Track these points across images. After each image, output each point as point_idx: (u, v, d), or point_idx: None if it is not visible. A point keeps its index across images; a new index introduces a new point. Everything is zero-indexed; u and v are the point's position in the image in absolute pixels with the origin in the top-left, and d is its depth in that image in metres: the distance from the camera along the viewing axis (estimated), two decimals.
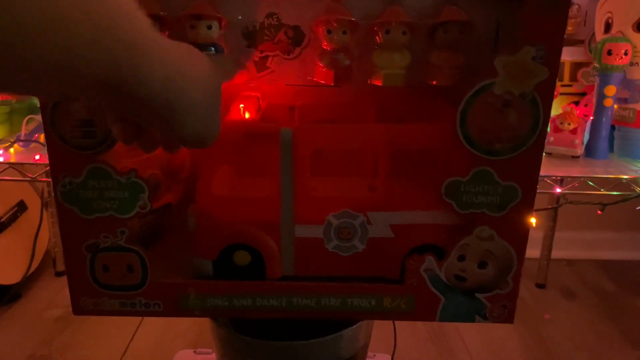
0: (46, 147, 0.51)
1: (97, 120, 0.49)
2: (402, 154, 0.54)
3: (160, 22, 0.51)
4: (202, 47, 0.51)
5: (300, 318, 0.57)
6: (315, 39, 0.53)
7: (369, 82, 0.54)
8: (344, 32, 0.51)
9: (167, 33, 0.52)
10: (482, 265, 0.55)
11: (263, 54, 0.54)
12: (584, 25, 1.12)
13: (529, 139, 0.50)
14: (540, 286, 1.54)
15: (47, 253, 1.55)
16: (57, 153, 0.51)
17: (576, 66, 1.10)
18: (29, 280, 1.46)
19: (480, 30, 0.52)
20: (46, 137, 0.50)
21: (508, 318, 0.58)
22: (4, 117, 0.98)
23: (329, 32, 0.51)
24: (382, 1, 0.52)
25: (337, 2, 0.52)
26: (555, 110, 1.02)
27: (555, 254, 1.54)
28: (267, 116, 0.58)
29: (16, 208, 1.46)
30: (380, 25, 0.51)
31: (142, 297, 0.56)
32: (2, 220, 1.40)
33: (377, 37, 0.52)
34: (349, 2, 0.52)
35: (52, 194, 1.49)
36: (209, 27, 0.51)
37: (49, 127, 0.50)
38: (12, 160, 0.90)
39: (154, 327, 1.29)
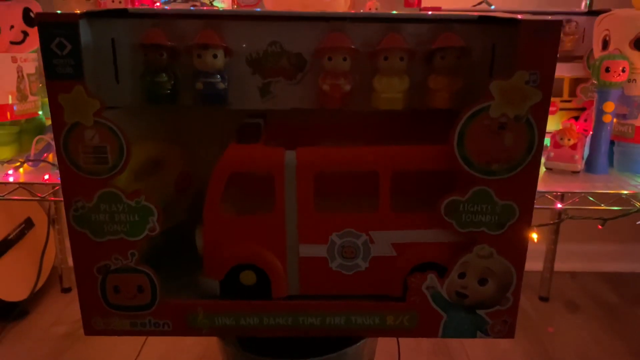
0: (59, 172, 0.53)
1: (110, 146, 0.51)
2: (402, 174, 0.56)
3: (168, 51, 0.53)
4: (209, 74, 0.53)
5: (305, 336, 0.58)
6: (317, 65, 0.55)
7: (369, 105, 0.56)
8: (345, 59, 0.53)
9: (174, 62, 0.54)
10: (482, 282, 0.56)
11: (266, 80, 0.56)
12: (582, 42, 1.14)
13: (525, 159, 0.52)
14: (544, 299, 1.54)
15: (54, 269, 1.56)
16: (69, 178, 0.53)
17: (575, 82, 1.12)
18: (36, 296, 1.48)
19: (477, 55, 0.54)
20: (59, 162, 0.52)
21: (509, 333, 0.59)
22: (13, 137, 1.00)
23: (329, 59, 0.53)
24: (381, 29, 0.54)
25: (337, 31, 0.54)
26: (555, 125, 1.03)
27: (558, 266, 1.55)
28: (270, 139, 0.59)
29: (23, 225, 1.48)
30: (380, 52, 0.53)
31: (152, 317, 0.57)
32: (10, 237, 1.42)
33: (376, 63, 0.54)
34: (349, 30, 0.54)
35: (59, 212, 1.51)
36: (215, 56, 0.53)
37: (62, 153, 0.52)
38: (21, 180, 0.92)
39: (160, 343, 1.30)
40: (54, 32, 0.48)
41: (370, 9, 1.09)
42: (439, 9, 1.12)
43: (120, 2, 0.99)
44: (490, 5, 1.26)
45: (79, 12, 0.50)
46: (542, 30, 0.48)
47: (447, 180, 0.56)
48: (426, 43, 0.54)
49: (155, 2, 1.15)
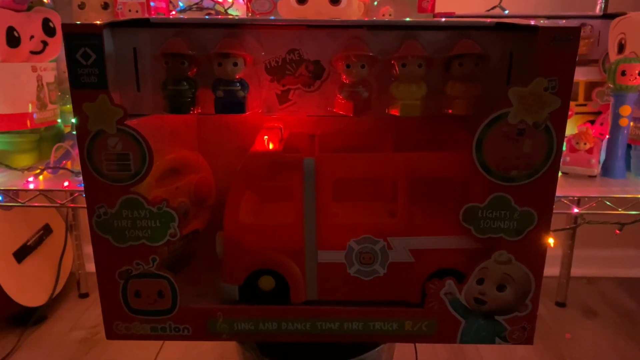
0: (78, 179, 0.54)
1: (132, 153, 0.52)
2: (420, 181, 0.56)
3: (189, 60, 0.54)
4: (229, 82, 0.54)
5: (324, 341, 0.59)
6: (335, 72, 0.56)
7: (386, 112, 0.56)
8: (363, 66, 0.54)
9: (195, 70, 0.55)
10: (500, 288, 0.56)
11: (285, 87, 0.57)
12: (597, 45, 1.14)
13: (543, 166, 0.52)
14: (560, 305, 1.53)
15: (71, 275, 1.58)
16: (92, 185, 0.54)
17: (590, 85, 1.11)
18: (54, 302, 1.50)
19: (494, 62, 0.54)
20: (83, 170, 0.53)
21: (527, 340, 0.59)
22: (33, 145, 1.01)
23: (348, 66, 0.54)
24: (399, 36, 0.54)
25: (356, 38, 0.54)
26: (571, 129, 1.02)
27: (575, 271, 1.53)
28: (289, 145, 0.60)
29: (42, 231, 1.50)
30: (397, 59, 0.54)
31: (172, 321, 0.58)
32: (29, 243, 1.44)
33: (394, 70, 0.54)
34: (367, 38, 0.54)
35: (76, 218, 1.53)
36: (235, 64, 0.53)
37: (86, 160, 0.53)
38: (41, 187, 0.94)
39: (177, 348, 1.30)
40: (79, 42, 0.49)
41: (384, 14, 1.09)
42: (452, 14, 1.12)
43: (137, 12, 1.00)
44: (504, 9, 1.26)
45: (100, 22, 0.51)
46: (561, 37, 0.48)
47: (465, 186, 0.56)
48: (444, 50, 0.54)
49: (171, 11, 1.16)
